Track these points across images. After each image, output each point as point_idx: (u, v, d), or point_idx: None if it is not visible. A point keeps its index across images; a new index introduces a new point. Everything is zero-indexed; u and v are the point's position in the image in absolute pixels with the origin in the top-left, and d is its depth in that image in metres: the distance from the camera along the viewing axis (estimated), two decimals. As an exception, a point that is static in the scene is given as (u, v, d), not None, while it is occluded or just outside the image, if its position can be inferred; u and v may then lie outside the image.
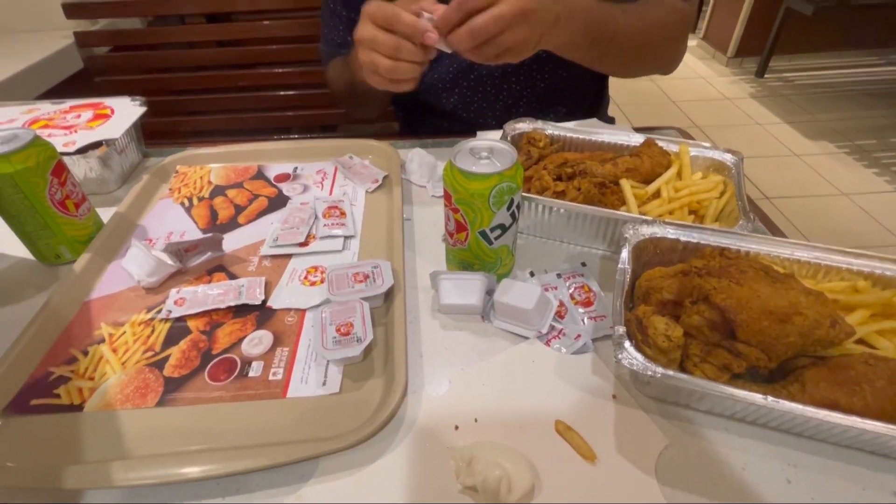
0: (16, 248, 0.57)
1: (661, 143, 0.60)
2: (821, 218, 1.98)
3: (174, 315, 0.49)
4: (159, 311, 0.50)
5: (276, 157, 0.74)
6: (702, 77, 3.10)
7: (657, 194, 0.55)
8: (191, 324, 0.49)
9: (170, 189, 0.68)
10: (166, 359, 0.45)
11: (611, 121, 0.96)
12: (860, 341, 0.39)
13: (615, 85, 0.94)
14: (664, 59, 0.76)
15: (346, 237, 0.59)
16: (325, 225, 0.60)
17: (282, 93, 1.22)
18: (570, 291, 0.51)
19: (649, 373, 0.36)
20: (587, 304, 0.50)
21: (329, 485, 0.36)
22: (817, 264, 0.45)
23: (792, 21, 2.76)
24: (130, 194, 0.65)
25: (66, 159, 0.56)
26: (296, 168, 0.72)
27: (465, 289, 0.48)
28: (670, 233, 0.47)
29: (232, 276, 0.54)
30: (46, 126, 0.68)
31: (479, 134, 0.77)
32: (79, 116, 0.70)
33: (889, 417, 0.33)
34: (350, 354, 0.42)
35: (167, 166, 0.71)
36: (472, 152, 0.46)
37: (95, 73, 1.19)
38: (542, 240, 0.59)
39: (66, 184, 0.54)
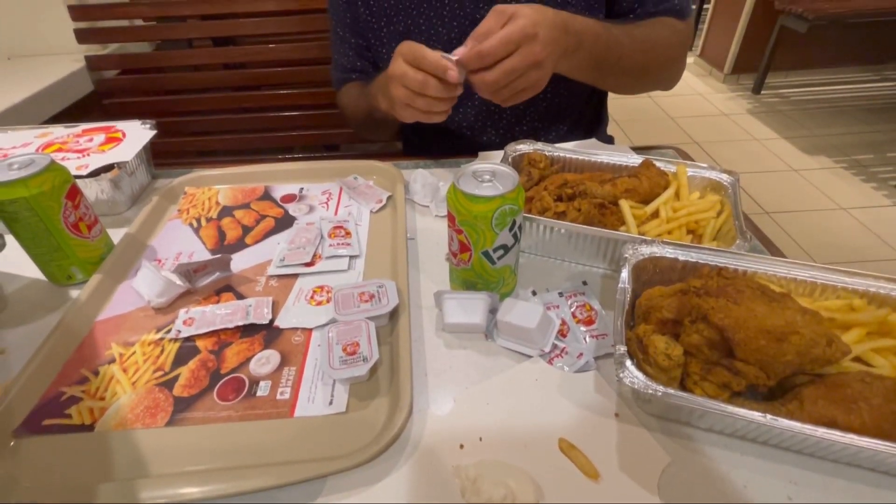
0: (28, 269, 0.58)
1: (658, 164, 0.61)
2: (820, 232, 1.99)
3: (183, 335, 0.50)
4: (168, 331, 0.51)
5: (283, 178, 0.76)
6: (699, 94, 3.14)
7: (656, 214, 0.56)
8: (199, 343, 0.50)
9: (178, 210, 0.69)
10: (175, 378, 0.46)
11: (609, 140, 0.98)
12: (857, 359, 0.40)
13: (615, 103, 0.96)
14: (666, 77, 0.79)
15: (352, 257, 0.60)
16: (330, 245, 0.61)
17: (286, 113, 1.25)
18: (572, 310, 0.52)
19: (650, 391, 0.37)
20: (589, 322, 0.51)
21: (336, 504, 0.37)
22: (813, 283, 0.46)
23: (787, 38, 2.81)
24: (140, 215, 0.66)
25: (79, 182, 0.58)
26: (302, 189, 0.73)
27: (469, 308, 0.49)
28: (669, 252, 0.49)
29: (240, 296, 0.55)
30: (60, 149, 0.69)
31: (481, 154, 0.79)
32: (91, 140, 0.72)
33: (886, 435, 0.33)
34: (356, 374, 0.43)
35: (176, 188, 0.73)
36: (474, 175, 0.48)
37: (105, 95, 1.22)
38: (544, 259, 0.60)
39: (80, 206, 0.56)
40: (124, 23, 1.21)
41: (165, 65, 1.22)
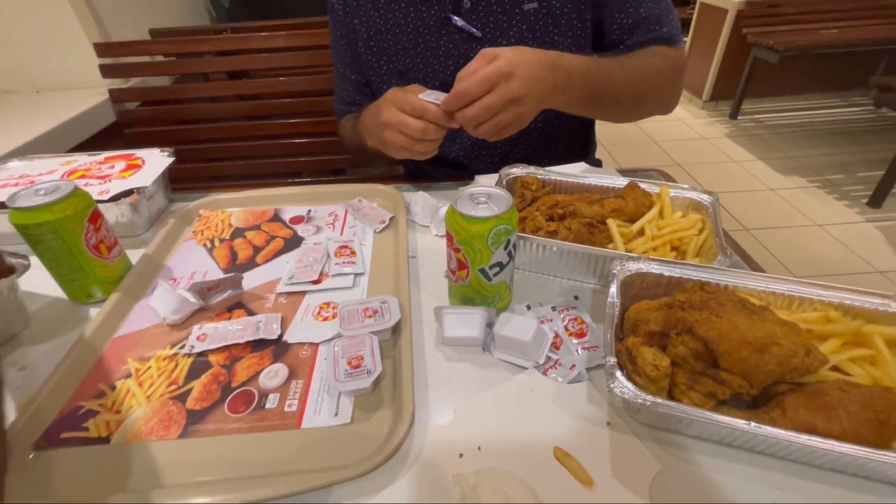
0: (50, 289, 0.58)
1: (643, 186, 0.62)
2: (798, 248, 1.99)
3: (196, 350, 0.50)
4: (182, 347, 0.51)
5: (292, 200, 0.76)
6: (680, 119, 3.18)
7: (641, 232, 0.57)
8: (212, 358, 0.49)
9: (193, 232, 0.70)
10: (188, 392, 0.46)
11: (598, 163, 0.99)
12: (835, 368, 0.40)
13: (602, 129, 0.98)
14: (662, 102, 0.78)
15: (356, 274, 0.60)
16: (336, 263, 0.61)
17: (295, 140, 1.26)
18: (565, 323, 0.52)
19: (639, 401, 0.37)
20: (581, 335, 0.50)
21: (341, 513, 0.36)
22: (791, 296, 0.46)
23: (760, 68, 2.87)
24: (157, 237, 0.66)
25: (100, 206, 0.58)
26: (309, 211, 0.74)
27: (467, 322, 0.49)
28: (654, 268, 0.49)
29: (250, 313, 0.55)
30: (83, 176, 0.70)
31: (478, 178, 0.79)
32: (112, 167, 0.73)
33: (865, 441, 0.33)
34: (361, 386, 0.43)
35: (191, 211, 0.73)
36: (471, 198, 0.48)
37: (126, 125, 1.23)
38: (538, 275, 0.60)
39: (101, 229, 0.56)
40: (146, 59, 1.23)
41: (183, 97, 1.24)
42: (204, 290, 0.55)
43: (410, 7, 0.76)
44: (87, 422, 0.43)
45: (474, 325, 0.48)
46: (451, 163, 0.90)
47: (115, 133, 1.22)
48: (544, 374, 0.47)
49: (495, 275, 0.49)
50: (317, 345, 0.50)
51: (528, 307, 0.54)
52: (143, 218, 0.71)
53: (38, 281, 0.58)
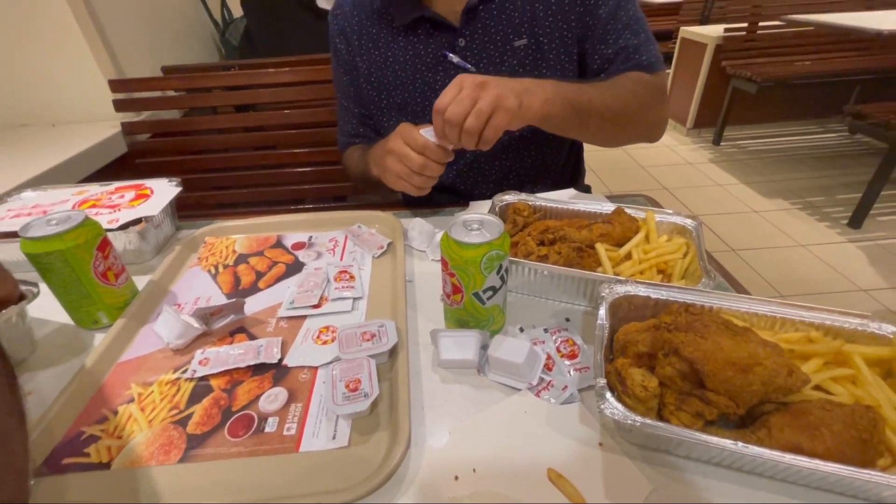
0: (57, 315, 0.58)
1: (629, 211, 0.63)
2: (783, 267, 2.00)
3: (198, 374, 0.50)
4: (185, 371, 0.50)
5: (294, 227, 0.77)
6: (666, 145, 3.24)
7: (629, 256, 0.57)
8: (213, 382, 0.49)
9: (198, 258, 0.70)
10: (189, 416, 0.45)
11: (587, 189, 1.00)
12: (818, 387, 0.40)
13: (592, 155, 1.00)
14: (643, 124, 0.77)
15: (355, 299, 0.60)
16: (336, 288, 0.62)
17: (298, 169, 1.28)
18: (557, 345, 0.52)
19: (629, 422, 0.37)
20: (572, 356, 0.50)
21: (338, 537, 0.36)
22: (773, 317, 0.46)
23: (740, 97, 2.93)
24: (163, 264, 0.67)
25: (109, 235, 0.58)
26: (311, 237, 0.74)
27: (462, 345, 0.49)
28: (642, 291, 0.49)
29: (252, 337, 0.55)
30: (94, 205, 0.71)
31: (472, 204, 0.80)
32: (122, 196, 0.74)
33: (849, 459, 0.33)
34: (358, 409, 0.42)
35: (197, 238, 0.74)
36: (464, 225, 0.49)
37: (137, 155, 1.25)
38: (530, 297, 0.60)
39: (109, 257, 0.56)
40: (157, 93, 1.26)
41: (192, 129, 1.26)
42: (207, 315, 0.55)
43: (409, 45, 0.79)
44: (88, 447, 0.43)
45: (469, 347, 0.48)
46: (448, 188, 0.91)
47: (125, 163, 1.24)
48: (537, 395, 0.46)
49: (489, 298, 0.49)
50: (316, 368, 0.50)
51: (521, 329, 0.54)
52: (150, 245, 0.71)
53: (45, 307, 0.58)
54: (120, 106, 1.20)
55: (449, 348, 0.49)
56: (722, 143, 3.16)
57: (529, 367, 0.47)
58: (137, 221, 0.67)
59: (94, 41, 1.24)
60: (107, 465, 0.41)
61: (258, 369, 0.50)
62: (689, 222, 0.61)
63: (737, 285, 0.61)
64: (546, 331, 0.54)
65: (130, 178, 0.81)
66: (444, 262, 0.49)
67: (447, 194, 0.92)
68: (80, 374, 0.49)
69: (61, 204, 0.72)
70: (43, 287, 0.55)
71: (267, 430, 0.44)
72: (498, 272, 0.48)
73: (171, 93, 1.29)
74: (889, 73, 2.73)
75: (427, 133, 0.62)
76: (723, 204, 2.50)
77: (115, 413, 0.46)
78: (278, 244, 0.73)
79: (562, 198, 0.70)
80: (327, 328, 0.56)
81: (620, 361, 0.43)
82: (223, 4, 1.84)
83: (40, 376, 0.52)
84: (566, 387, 0.46)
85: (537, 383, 0.47)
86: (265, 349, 0.52)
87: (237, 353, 0.52)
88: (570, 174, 0.98)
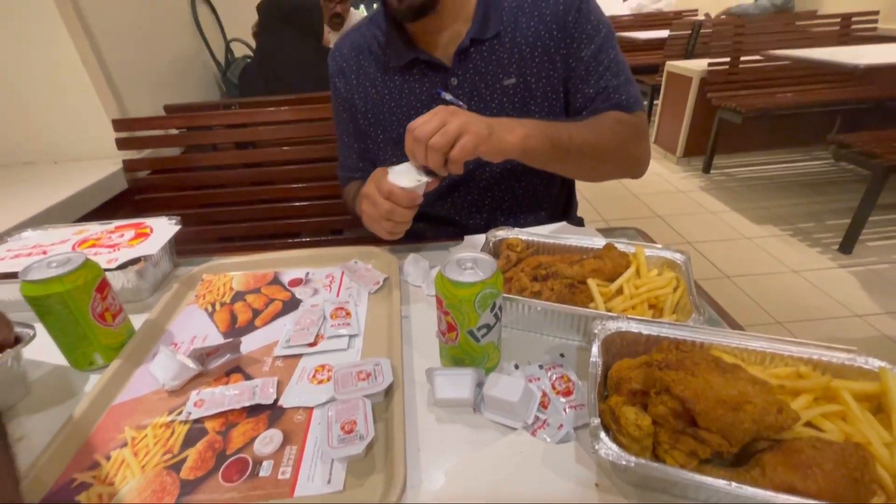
0: (52, 356, 0.58)
1: (620, 247, 0.64)
2: (777, 293, 2.02)
3: (193, 416, 0.49)
4: (180, 413, 0.50)
5: (291, 263, 0.78)
6: (657, 174, 3.31)
7: (620, 291, 0.58)
8: (208, 424, 0.49)
9: (196, 296, 0.71)
10: (183, 461, 0.45)
11: (580, 221, 1.02)
12: (809, 424, 0.40)
13: (587, 184, 1.01)
14: (623, 160, 0.79)
15: (351, 336, 0.61)
16: (332, 325, 0.62)
17: (296, 204, 1.30)
18: (552, 381, 0.52)
19: (623, 462, 0.37)
20: (567, 393, 0.51)
21: (332, 588, 0.35)
22: (763, 352, 0.47)
23: (726, 127, 3.02)
24: (161, 302, 0.67)
25: (108, 274, 0.59)
26: (307, 273, 0.75)
27: (458, 383, 0.49)
28: (633, 327, 0.50)
29: (247, 377, 0.55)
30: (94, 245, 0.72)
31: (467, 238, 0.82)
32: (122, 235, 0.75)
33: (841, 498, 0.33)
34: (353, 452, 0.42)
35: (195, 276, 0.74)
36: (458, 263, 0.50)
37: (137, 191, 1.27)
38: (525, 333, 0.61)
39: (107, 298, 0.57)
40: (159, 132, 1.29)
41: (193, 165, 1.28)
42: (203, 355, 0.56)
43: (404, 84, 0.82)
44: (79, 495, 0.42)
45: (464, 386, 0.49)
46: (443, 220, 0.93)
47: (125, 199, 1.25)
48: (533, 434, 0.46)
49: (483, 336, 0.50)
50: (311, 409, 0.50)
51: (517, 366, 0.55)
52: (148, 283, 0.72)
53: (40, 348, 0.58)
54: (122, 144, 1.23)
55: (444, 387, 0.49)
56: (711, 171, 3.23)
57: (525, 405, 0.47)
58: (136, 261, 0.68)
59: (99, 81, 1.28)
60: (97, 514, 0.41)
61: (253, 410, 0.50)
62: (678, 256, 0.63)
63: (727, 318, 0.62)
64: (541, 367, 0.54)
65: (130, 214, 0.82)
66: (438, 301, 0.50)
67: (443, 226, 0.94)
68: (73, 419, 0.48)
69: (61, 244, 0.73)
70: (39, 327, 0.55)
71: (261, 474, 0.43)
72: (492, 310, 0.49)
73: (172, 131, 1.32)
74: (868, 103, 2.84)
75: (400, 169, 0.64)
76: (715, 231, 2.53)
77: (108, 458, 0.46)
78: (275, 281, 0.74)
79: (555, 232, 0.72)
80: (323, 367, 0.56)
81: (614, 400, 0.43)
82: (226, 46, 1.91)
83: (32, 421, 0.51)
84: (562, 425, 0.46)
85: (533, 422, 0.47)
86: (261, 389, 0.52)
87: (232, 394, 0.51)
88: (563, 205, 1.00)
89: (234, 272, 0.76)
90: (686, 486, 0.37)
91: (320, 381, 0.54)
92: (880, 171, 2.01)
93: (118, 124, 1.22)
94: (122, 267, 0.67)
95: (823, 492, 0.34)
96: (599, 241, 0.67)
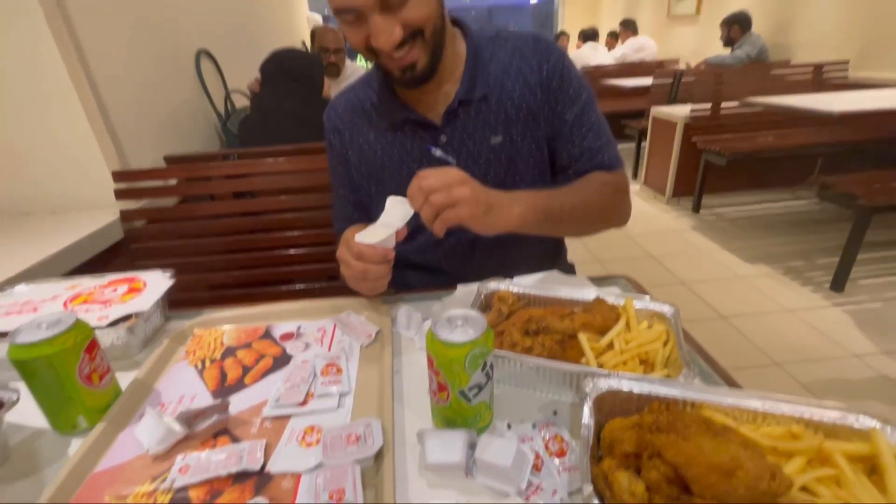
0: (34, 420, 0.57)
1: (609, 299, 0.65)
2: (773, 334, 2.01)
3: (178, 484, 0.48)
4: (164, 481, 0.49)
5: (283, 316, 0.78)
6: (649, 214, 3.38)
7: (611, 346, 0.59)
8: (192, 493, 0.47)
9: (186, 352, 0.70)
10: (164, 535, 0.43)
11: (570, 267, 1.04)
12: (804, 488, 0.40)
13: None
14: (611, 217, 0.86)
15: (342, 394, 0.60)
16: (322, 383, 0.61)
17: (291, 251, 1.31)
18: (545, 441, 0.51)
19: (618, 534, 0.36)
20: (561, 454, 0.50)
21: None
22: (755, 411, 0.46)
23: (712, 169, 3.12)
24: (150, 359, 0.66)
25: (98, 332, 0.59)
26: (299, 327, 0.75)
27: (449, 447, 0.48)
28: (625, 385, 0.50)
29: (235, 439, 0.54)
30: (86, 301, 0.72)
31: (459, 287, 0.82)
32: (115, 290, 0.75)
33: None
34: (341, 524, 0.41)
35: (186, 330, 0.74)
36: (449, 321, 0.50)
37: (132, 240, 1.28)
38: (517, 389, 0.60)
39: (96, 358, 0.56)
40: (158, 182, 1.32)
41: (189, 215, 1.30)
42: (191, 417, 0.55)
43: (396, 141, 0.85)
44: (52, 576, 0.40)
45: (456, 449, 0.48)
46: (435, 269, 0.94)
47: (120, 247, 1.26)
48: (527, 499, 0.45)
49: (474, 396, 0.50)
50: (299, 475, 0.49)
51: (509, 426, 0.54)
52: (138, 339, 0.71)
53: (23, 411, 0.57)
54: (121, 195, 1.25)
55: (435, 451, 0.48)
56: (701, 211, 3.30)
57: (518, 470, 0.46)
58: (128, 317, 0.68)
59: (101, 134, 1.31)
60: None
61: (239, 477, 0.49)
62: (666, 309, 0.63)
63: (717, 367, 0.62)
64: (534, 426, 0.54)
65: (124, 262, 0.83)
66: (429, 360, 0.50)
67: (434, 275, 0.94)
68: (51, 489, 0.47)
69: (52, 300, 0.73)
70: (23, 389, 0.54)
71: (245, 549, 0.42)
72: (483, 369, 0.49)
73: (171, 181, 1.35)
74: (846, 145, 2.95)
75: (368, 230, 0.67)
76: (708, 270, 2.56)
77: (85, 533, 0.44)
78: (267, 335, 0.74)
79: (546, 282, 0.73)
80: (312, 428, 0.55)
81: (607, 464, 0.42)
82: (227, 97, 1.99)
83: (12, 490, 0.50)
84: (555, 491, 0.45)
85: (526, 486, 0.46)
86: (248, 454, 0.51)
87: (219, 459, 0.50)
88: (553, 252, 1.02)
89: (225, 326, 0.76)
90: (683, 560, 0.36)
91: (309, 444, 0.52)
92: (862, 212, 2.07)
93: (118, 176, 1.25)
94: (113, 324, 0.66)
95: (822, 566, 0.33)
96: (590, 293, 0.68)
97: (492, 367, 0.51)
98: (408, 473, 0.49)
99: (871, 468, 0.41)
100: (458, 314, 0.51)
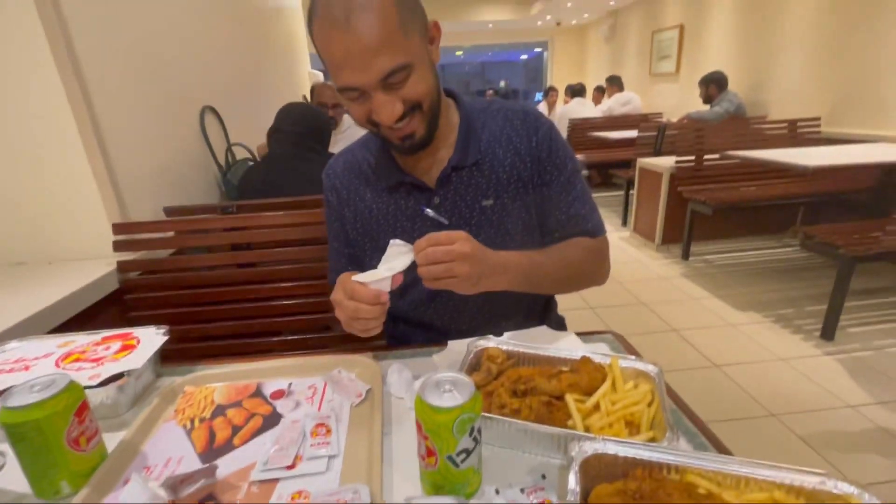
0: (18, 484, 0.56)
1: (595, 358, 0.67)
2: (767, 383, 2.01)
3: (158, 557, 0.47)
4: (145, 553, 0.48)
5: (274, 373, 0.78)
6: (639, 261, 3.43)
7: (597, 407, 0.60)
8: (173, 567, 0.46)
9: (175, 411, 0.70)
10: None
11: (560, 320, 1.06)
12: (788, 560, 0.40)
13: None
14: (591, 278, 0.93)
15: (331, 457, 0.60)
16: (311, 445, 0.61)
17: (285, 302, 1.32)
18: (533, 508, 0.51)
19: None
20: (549, 521, 0.50)
21: None
22: (738, 476, 0.47)
23: (699, 217, 3.22)
24: (138, 419, 0.66)
25: (87, 392, 0.59)
26: (290, 384, 0.75)
27: (436, 515, 0.48)
28: (610, 449, 0.51)
29: (220, 506, 0.53)
30: (78, 359, 0.72)
31: (450, 343, 0.84)
32: (108, 348, 0.75)
33: None
34: None
35: (176, 388, 0.74)
36: (437, 385, 0.52)
37: (127, 291, 1.29)
38: (506, 450, 0.60)
39: (85, 421, 0.56)
40: (157, 235, 1.34)
41: (185, 266, 1.32)
42: (176, 483, 0.54)
43: (391, 201, 0.90)
44: None
45: (443, 518, 0.48)
46: (429, 326, 0.95)
47: (114, 297, 1.26)
48: (515, 571, 0.45)
49: (462, 461, 0.50)
50: (285, 546, 0.48)
51: (497, 491, 0.54)
52: (127, 398, 0.71)
53: (10, 476, 0.57)
54: (119, 246, 1.27)
55: (423, 520, 0.48)
56: (690, 258, 3.37)
57: (505, 539, 0.46)
58: (119, 376, 0.68)
59: (105, 185, 1.33)
60: None
61: (223, 548, 0.48)
62: (651, 368, 0.65)
63: (705, 430, 0.63)
64: (522, 491, 0.54)
65: (117, 313, 0.83)
66: (418, 425, 0.51)
67: (425, 331, 0.96)
68: (30, 561, 0.46)
69: (45, 358, 0.73)
70: (9, 454, 0.53)
71: None
72: (470, 434, 0.50)
73: (169, 233, 1.38)
74: (824, 196, 3.08)
75: (365, 274, 0.69)
76: (699, 317, 2.58)
77: None
78: (258, 392, 0.74)
79: (535, 337, 0.75)
80: (300, 493, 0.55)
81: (593, 534, 0.43)
82: (228, 150, 2.06)
83: (-16, 564, 0.48)
84: (543, 562, 0.45)
85: (514, 557, 0.46)
86: (233, 523, 0.50)
87: (203, 529, 0.50)
88: (542, 306, 1.04)
89: (216, 383, 0.76)
90: None
91: (296, 511, 0.52)
92: (844, 262, 2.13)
93: (118, 228, 1.27)
94: (104, 384, 0.67)
95: None
96: (578, 351, 0.70)
97: (479, 431, 0.51)
98: (395, 543, 0.48)
99: (853, 537, 0.42)
100: (446, 377, 0.53)
